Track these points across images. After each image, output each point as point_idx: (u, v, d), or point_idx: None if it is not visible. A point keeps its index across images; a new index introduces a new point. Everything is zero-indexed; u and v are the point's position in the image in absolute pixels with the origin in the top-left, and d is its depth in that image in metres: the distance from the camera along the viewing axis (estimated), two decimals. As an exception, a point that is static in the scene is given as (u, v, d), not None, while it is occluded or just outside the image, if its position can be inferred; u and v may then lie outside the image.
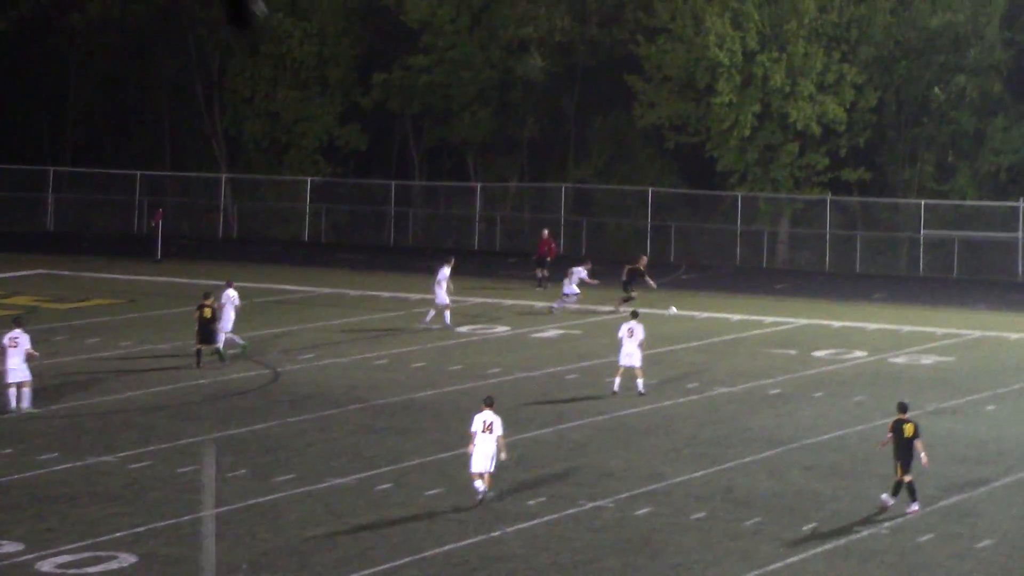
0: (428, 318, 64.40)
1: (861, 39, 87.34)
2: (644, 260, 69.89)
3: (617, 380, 52.89)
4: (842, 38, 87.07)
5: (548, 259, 76.14)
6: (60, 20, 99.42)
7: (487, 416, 41.53)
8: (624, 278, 68.23)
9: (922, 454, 40.37)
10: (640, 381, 52.72)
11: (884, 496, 40.59)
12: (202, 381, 54.48)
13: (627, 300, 66.33)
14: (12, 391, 49.12)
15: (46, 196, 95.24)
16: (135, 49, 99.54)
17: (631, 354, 52.94)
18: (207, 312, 56.40)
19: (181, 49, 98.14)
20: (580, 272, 68.23)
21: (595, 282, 68.06)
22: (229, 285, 60.23)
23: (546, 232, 78.47)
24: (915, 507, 40.20)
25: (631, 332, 53.22)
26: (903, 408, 41.39)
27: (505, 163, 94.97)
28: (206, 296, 57.38)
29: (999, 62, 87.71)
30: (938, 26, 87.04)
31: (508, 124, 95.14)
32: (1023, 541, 37.87)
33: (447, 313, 64.14)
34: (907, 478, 40.35)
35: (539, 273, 75.54)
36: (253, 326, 64.11)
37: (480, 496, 41.24)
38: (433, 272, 65.64)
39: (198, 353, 56.14)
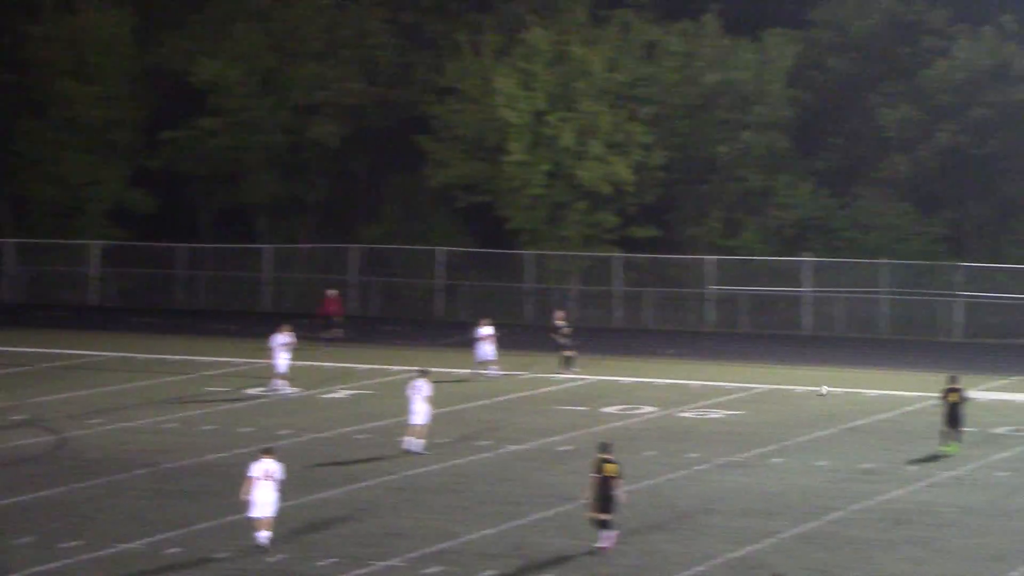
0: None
1: (647, 98, 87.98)
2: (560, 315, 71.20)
3: (409, 439, 53.05)
4: (629, 97, 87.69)
5: (336, 319, 76.17)
6: None
7: (267, 464, 42.05)
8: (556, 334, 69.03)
9: (622, 492, 41.69)
10: (414, 440, 53.02)
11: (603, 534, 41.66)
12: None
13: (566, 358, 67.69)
14: None
15: None
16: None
17: (417, 412, 53.15)
18: None
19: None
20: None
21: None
22: None
23: (332, 292, 78.50)
24: (605, 542, 41.46)
25: (418, 389, 53.38)
26: (604, 448, 42.56)
27: (295, 225, 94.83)
28: None
29: (784, 119, 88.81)
30: (721, 83, 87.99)
31: (298, 186, 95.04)
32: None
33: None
34: (605, 516, 41.43)
35: (324, 334, 75.48)
36: (39, 392, 63.70)
37: (264, 543, 41.49)
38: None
39: None
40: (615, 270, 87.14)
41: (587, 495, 42.34)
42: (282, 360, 64.29)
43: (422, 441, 53.07)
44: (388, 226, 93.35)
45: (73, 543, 41.97)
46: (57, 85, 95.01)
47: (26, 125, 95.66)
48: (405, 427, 53.37)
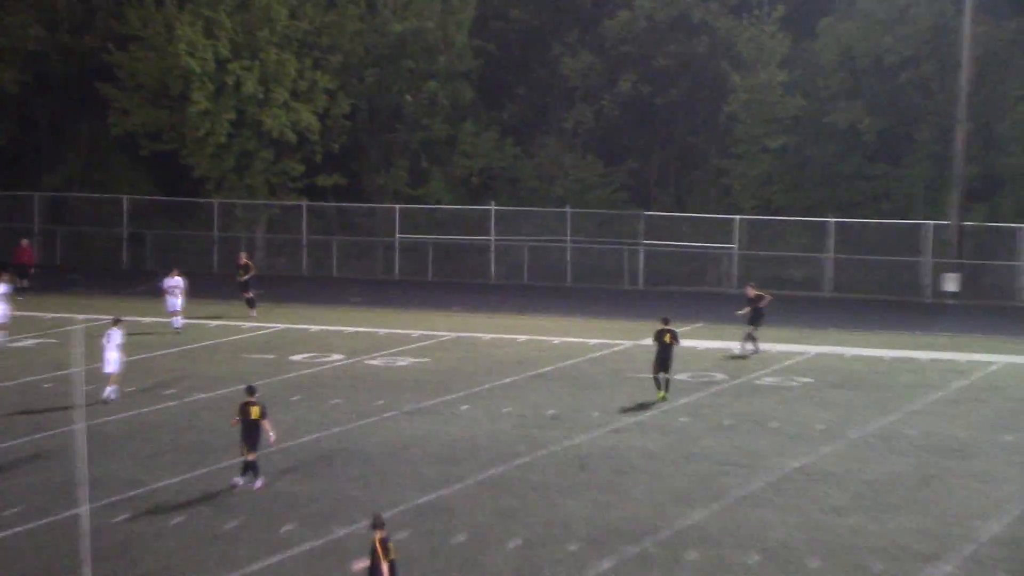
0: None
1: (332, 46, 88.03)
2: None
3: (107, 388, 52.87)
4: (314, 45, 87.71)
5: (29, 268, 75.58)
6: None
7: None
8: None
9: (270, 433, 42.65)
10: (110, 388, 52.86)
11: (235, 479, 42.46)
12: None
13: None
14: None
15: None
16: None
17: (109, 360, 52.96)
18: None
19: None
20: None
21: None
22: None
23: (25, 241, 77.79)
24: (259, 483, 42.34)
25: (109, 338, 53.18)
26: (251, 391, 43.32)
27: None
28: None
29: (469, 69, 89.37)
30: (406, 32, 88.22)
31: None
32: (496, 533, 38.71)
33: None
34: (251, 456, 42.35)
35: (19, 283, 74.55)
36: None
37: None
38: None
39: None
40: (301, 218, 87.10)
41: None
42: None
43: (115, 387, 52.87)
44: (72, 174, 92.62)
45: None
46: None
47: None
48: (100, 375, 53.18)
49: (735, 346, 55.27)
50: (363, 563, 31.93)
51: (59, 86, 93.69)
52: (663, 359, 54.08)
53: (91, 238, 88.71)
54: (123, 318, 57.14)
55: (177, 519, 39.20)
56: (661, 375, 54.05)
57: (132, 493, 41.26)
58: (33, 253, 77.67)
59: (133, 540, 37.20)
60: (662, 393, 53.76)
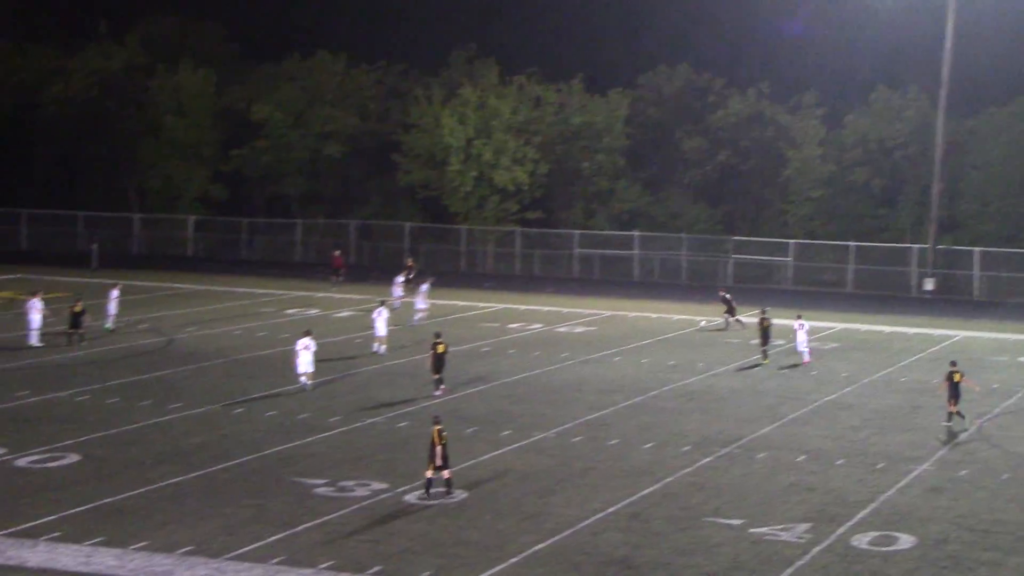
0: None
1: (536, 131, 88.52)
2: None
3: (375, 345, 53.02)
4: (525, 130, 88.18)
5: (341, 269, 76.32)
6: (28, 117, 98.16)
7: (306, 340, 44.20)
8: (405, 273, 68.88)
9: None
10: (381, 347, 52.69)
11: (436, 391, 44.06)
12: (120, 345, 53.98)
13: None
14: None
15: (19, 228, 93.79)
16: (81, 131, 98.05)
17: (378, 330, 52.76)
18: (77, 307, 54.42)
19: (113, 132, 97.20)
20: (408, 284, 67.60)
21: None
22: (115, 287, 59.32)
23: (337, 252, 78.76)
24: (440, 391, 44.12)
25: (380, 314, 52.98)
26: (437, 335, 45.59)
27: (316, 209, 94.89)
28: (78, 299, 55.73)
29: (622, 146, 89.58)
30: (582, 123, 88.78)
31: (316, 185, 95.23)
32: (636, 439, 39.08)
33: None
34: (436, 376, 44.07)
35: (333, 278, 75.09)
36: (155, 311, 63.75)
37: (306, 387, 43.80)
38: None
39: (70, 336, 53.90)
40: (516, 238, 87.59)
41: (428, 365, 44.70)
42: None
43: (382, 346, 52.74)
44: (373, 209, 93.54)
45: (177, 404, 42.40)
46: (165, 118, 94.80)
47: (146, 143, 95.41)
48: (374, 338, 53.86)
49: (794, 323, 54.86)
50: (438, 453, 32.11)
51: (367, 154, 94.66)
52: (764, 334, 53.14)
53: (384, 251, 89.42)
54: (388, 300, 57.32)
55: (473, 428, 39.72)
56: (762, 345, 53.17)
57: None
58: (343, 260, 78.24)
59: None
60: (765, 358, 52.98)
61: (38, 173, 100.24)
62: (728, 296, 62.43)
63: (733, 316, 61.38)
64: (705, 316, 63.48)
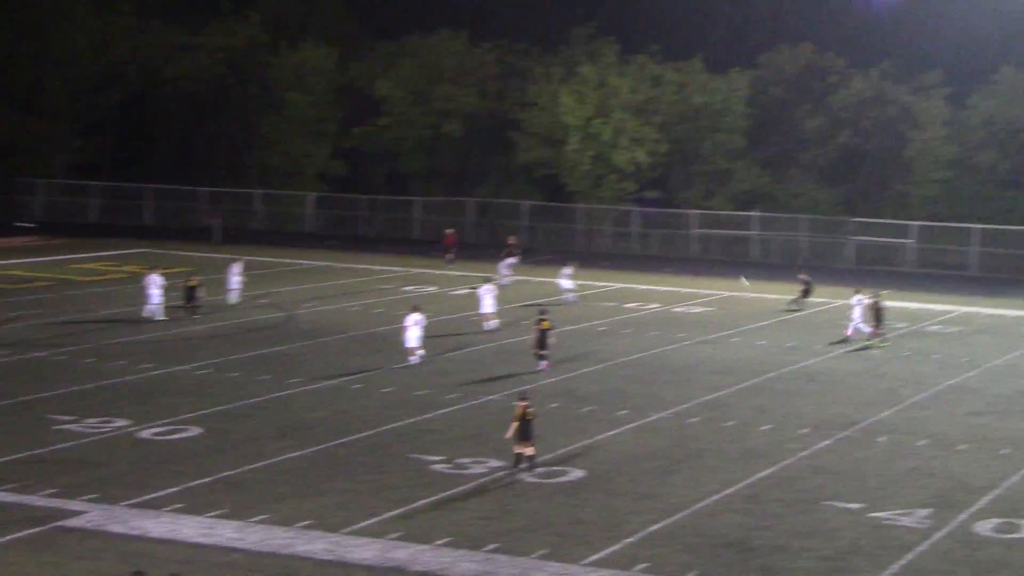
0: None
1: (656, 111, 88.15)
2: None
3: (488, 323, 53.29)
4: (644, 109, 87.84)
5: (453, 248, 76.56)
6: (153, 94, 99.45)
7: (416, 314, 45.03)
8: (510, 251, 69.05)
9: (553, 339, 44.97)
10: (491, 323, 53.02)
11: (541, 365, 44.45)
12: (240, 320, 54.53)
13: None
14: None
15: (144, 203, 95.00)
16: (204, 107, 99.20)
17: (484, 304, 53.19)
18: (192, 282, 55.67)
19: (236, 109, 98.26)
20: (509, 262, 68.02)
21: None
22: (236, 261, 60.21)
23: (449, 230, 78.99)
24: (544, 365, 44.49)
25: (488, 291, 53.58)
26: (542, 311, 46.42)
27: (435, 186, 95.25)
28: (191, 275, 57.17)
29: (742, 126, 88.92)
30: (702, 103, 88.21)
31: (436, 161, 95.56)
32: (753, 421, 38.84)
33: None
34: (543, 352, 44.50)
35: (447, 256, 75.47)
36: (276, 285, 64.36)
37: (415, 363, 44.43)
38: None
39: (185, 310, 54.91)
40: (634, 218, 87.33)
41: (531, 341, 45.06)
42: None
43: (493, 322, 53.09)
44: (491, 188, 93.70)
45: (296, 379, 42.78)
46: (287, 95, 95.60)
47: (268, 120, 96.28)
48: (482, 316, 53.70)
49: (911, 305, 54.33)
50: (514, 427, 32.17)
51: (486, 133, 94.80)
52: (877, 317, 52.64)
53: (502, 227, 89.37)
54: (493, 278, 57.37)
55: (553, 404, 39.68)
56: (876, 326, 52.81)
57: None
58: (456, 238, 78.33)
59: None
60: (883, 342, 52.36)
61: (162, 149, 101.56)
62: (807, 278, 61.87)
63: (807, 298, 60.94)
64: (837, 297, 62.46)
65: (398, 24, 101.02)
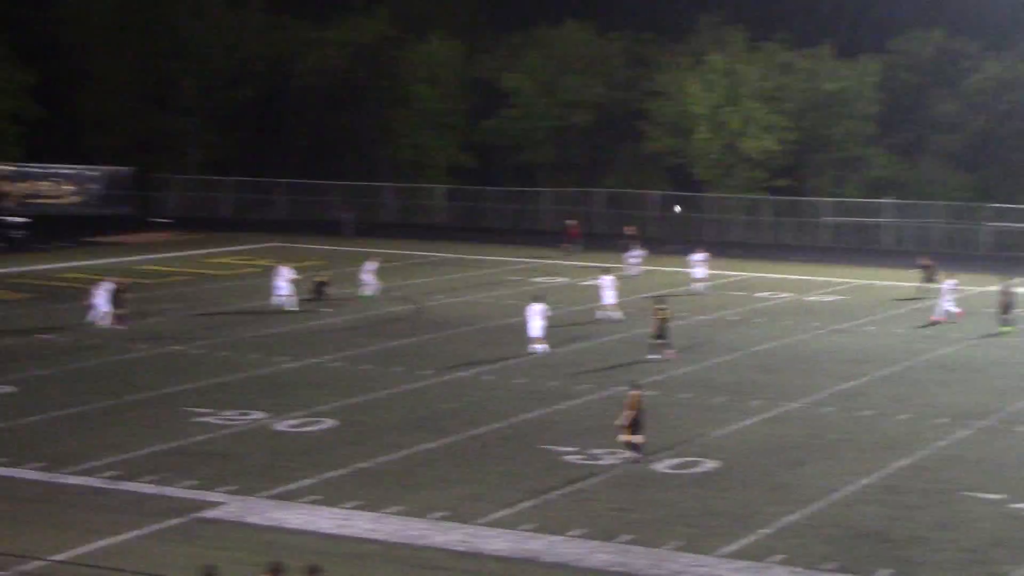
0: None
1: (786, 98, 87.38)
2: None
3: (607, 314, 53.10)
4: (773, 97, 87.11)
5: (576, 238, 76.61)
6: (283, 89, 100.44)
7: (539, 305, 45.42)
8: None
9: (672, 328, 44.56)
10: (611, 314, 52.85)
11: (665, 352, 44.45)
12: (372, 312, 54.83)
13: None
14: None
15: (275, 198, 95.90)
16: (334, 102, 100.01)
17: (605, 297, 53.31)
18: (321, 278, 56.97)
19: (365, 103, 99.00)
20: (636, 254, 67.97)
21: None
22: (370, 260, 60.45)
23: (571, 221, 78.97)
24: (670, 353, 44.35)
25: (610, 282, 53.48)
26: (660, 300, 46.62)
27: (564, 177, 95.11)
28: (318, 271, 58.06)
29: (873, 112, 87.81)
30: (833, 90, 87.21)
31: (564, 152, 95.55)
32: (890, 411, 38.34)
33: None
34: (661, 342, 44.41)
35: (569, 246, 76.04)
36: (406, 278, 64.68)
37: (538, 353, 44.35)
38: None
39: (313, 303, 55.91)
40: (764, 207, 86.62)
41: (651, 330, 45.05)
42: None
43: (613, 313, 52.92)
44: (620, 178, 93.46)
45: (426, 371, 42.86)
46: (416, 88, 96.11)
47: (397, 113, 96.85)
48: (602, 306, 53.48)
49: (944, 283, 53.78)
50: (627, 415, 32.21)
51: (613, 123, 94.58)
52: (1006, 306, 52.03)
53: (630, 219, 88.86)
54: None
55: (684, 395, 39.50)
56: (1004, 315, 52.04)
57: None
58: (579, 229, 78.48)
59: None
60: (1008, 327, 51.53)
61: (293, 144, 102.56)
62: (929, 263, 61.07)
63: (931, 283, 60.18)
64: (972, 284, 61.32)
65: (525, 15, 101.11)
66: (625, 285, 60.69)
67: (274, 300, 55.08)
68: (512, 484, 30.47)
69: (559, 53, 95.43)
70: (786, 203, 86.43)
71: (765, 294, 61.35)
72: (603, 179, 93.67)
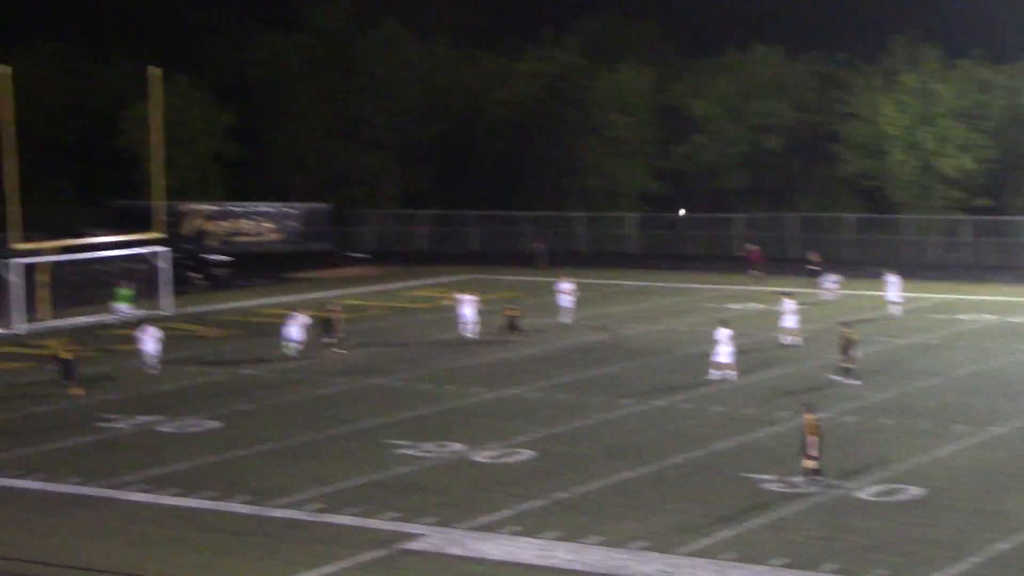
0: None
1: (983, 116, 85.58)
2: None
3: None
4: (970, 115, 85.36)
5: (758, 263, 76.44)
6: (474, 121, 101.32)
7: (726, 330, 45.07)
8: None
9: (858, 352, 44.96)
10: (792, 339, 52.41)
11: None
12: (567, 342, 54.87)
13: None
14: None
15: (469, 229, 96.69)
16: (524, 132, 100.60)
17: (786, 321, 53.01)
18: (512, 311, 57.33)
19: (556, 133, 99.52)
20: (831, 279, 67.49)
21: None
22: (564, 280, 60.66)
23: (753, 247, 78.38)
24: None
25: (792, 309, 53.14)
26: (846, 324, 46.12)
27: (756, 202, 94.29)
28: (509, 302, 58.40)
29: None
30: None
31: (756, 177, 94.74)
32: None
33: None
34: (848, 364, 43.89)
35: (751, 273, 75.62)
36: (603, 307, 64.63)
37: (729, 377, 44.53)
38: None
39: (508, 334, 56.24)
40: (963, 228, 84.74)
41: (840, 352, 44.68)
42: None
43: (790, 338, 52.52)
44: (814, 201, 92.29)
45: (625, 400, 42.68)
46: (606, 117, 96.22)
47: (588, 143, 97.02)
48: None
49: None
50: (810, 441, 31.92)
51: (806, 147, 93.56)
52: None
53: (825, 242, 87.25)
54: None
55: (886, 420, 38.79)
56: None
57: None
58: (760, 254, 77.80)
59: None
60: None
61: (484, 176, 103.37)
62: None
63: None
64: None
65: (714, 41, 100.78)
66: (819, 310, 60.06)
67: (460, 329, 56.13)
68: (712, 513, 30.23)
69: (749, 77, 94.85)
70: (987, 223, 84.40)
71: (966, 316, 60.04)
72: (796, 203, 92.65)
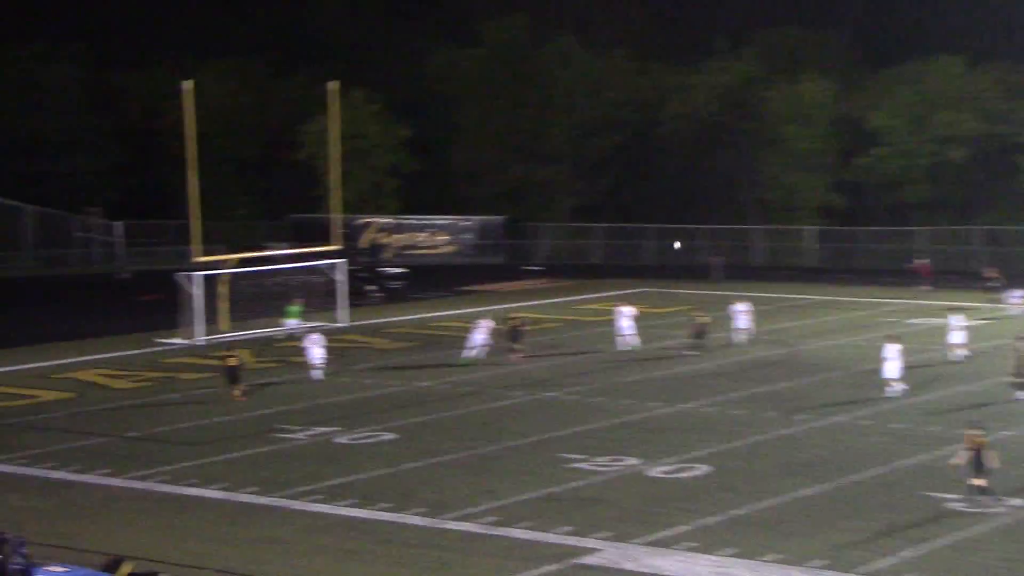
0: None
1: None
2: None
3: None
4: None
5: (927, 277, 75.54)
6: (649, 134, 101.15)
7: (895, 344, 44.50)
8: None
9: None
10: (959, 353, 51.71)
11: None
12: (744, 357, 54.38)
13: None
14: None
15: (644, 242, 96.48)
16: (700, 145, 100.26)
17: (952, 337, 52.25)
18: (701, 318, 57.00)
19: (732, 145, 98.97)
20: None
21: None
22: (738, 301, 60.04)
23: (923, 260, 77.31)
24: None
25: (960, 324, 52.34)
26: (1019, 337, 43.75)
27: (939, 215, 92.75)
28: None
29: None
30: None
31: (938, 189, 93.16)
32: None
33: None
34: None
35: (926, 288, 74.67)
36: (780, 321, 64.03)
37: (897, 393, 43.92)
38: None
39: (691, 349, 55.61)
40: None
41: None
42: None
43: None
44: (1001, 214, 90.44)
45: (803, 416, 42.11)
46: (784, 129, 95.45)
47: (764, 154, 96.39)
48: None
49: None
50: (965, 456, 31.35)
51: (990, 158, 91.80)
52: None
53: (1010, 255, 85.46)
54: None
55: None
56: None
57: None
58: (930, 267, 76.77)
59: None
60: None
61: (659, 188, 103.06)
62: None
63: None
64: None
65: (894, 52, 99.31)
66: (1003, 326, 58.77)
67: (618, 341, 56.24)
68: (893, 532, 29.63)
69: (931, 88, 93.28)
70: None
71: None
72: (979, 216, 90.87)
